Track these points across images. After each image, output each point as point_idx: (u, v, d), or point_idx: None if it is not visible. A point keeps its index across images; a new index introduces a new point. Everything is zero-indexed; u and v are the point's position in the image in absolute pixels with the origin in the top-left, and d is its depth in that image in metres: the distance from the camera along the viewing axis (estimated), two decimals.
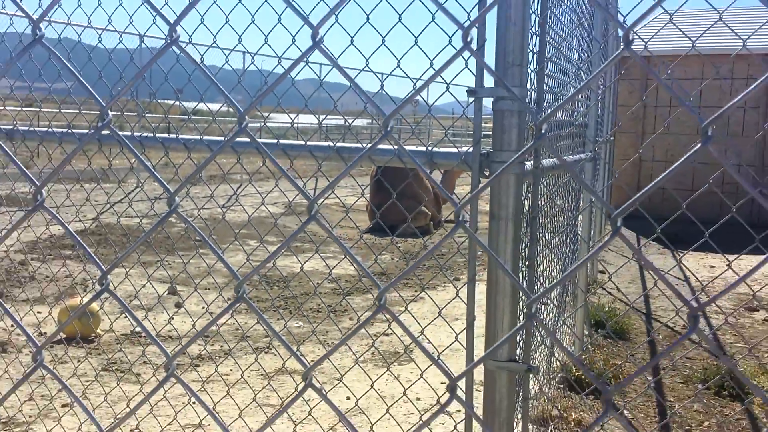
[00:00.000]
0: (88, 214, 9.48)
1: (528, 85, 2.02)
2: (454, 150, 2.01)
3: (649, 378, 5.01)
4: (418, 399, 4.31)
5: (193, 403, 3.95)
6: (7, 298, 6.53)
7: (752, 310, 7.14)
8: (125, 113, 19.82)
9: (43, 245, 8.92)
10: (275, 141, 2.45)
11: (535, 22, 1.94)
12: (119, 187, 4.30)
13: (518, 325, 1.99)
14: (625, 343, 5.80)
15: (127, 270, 5.52)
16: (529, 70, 2.03)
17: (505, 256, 1.84)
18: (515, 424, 2.12)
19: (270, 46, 2.75)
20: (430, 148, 2.05)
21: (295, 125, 4.02)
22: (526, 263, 2.23)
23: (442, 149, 2.05)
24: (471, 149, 1.90)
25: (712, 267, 9.26)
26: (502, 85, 1.78)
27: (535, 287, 2.43)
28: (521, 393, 2.22)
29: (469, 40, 0.86)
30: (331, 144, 2.19)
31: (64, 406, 4.19)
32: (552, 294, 3.61)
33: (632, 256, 8.87)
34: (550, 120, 2.54)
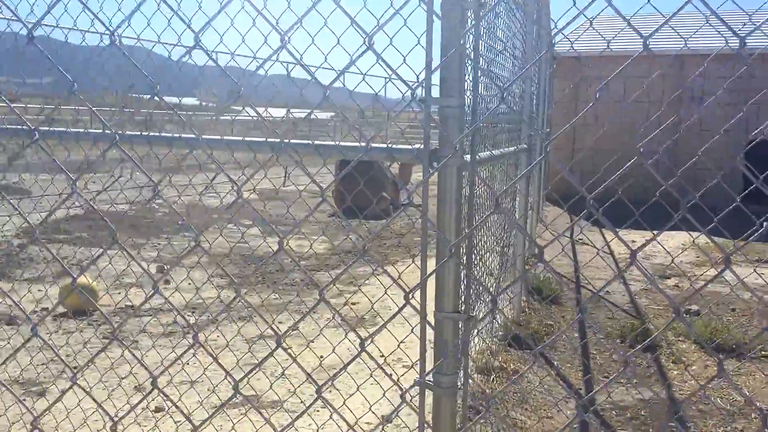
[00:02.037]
0: (77, 201, 9.56)
1: (468, 92, 2.32)
2: (409, 147, 2.30)
3: (576, 335, 5.40)
4: (381, 356, 4.62)
5: (187, 363, 4.19)
6: (9, 278, 6.67)
7: (665, 277, 7.61)
8: (106, 108, 19.66)
9: (38, 230, 8.99)
10: (241, 139, 2.70)
11: (470, 45, 2.23)
12: (99, 177, 4.50)
13: (461, 285, 2.30)
14: (557, 306, 6.19)
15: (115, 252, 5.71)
16: (468, 81, 2.33)
17: (450, 231, 2.14)
18: (461, 363, 2.44)
19: (248, 46, 2.99)
20: (390, 146, 2.34)
21: (268, 118, 4.24)
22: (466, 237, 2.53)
23: (400, 146, 2.34)
24: (422, 146, 2.19)
25: (633, 242, 9.73)
26: (444, 97, 2.07)
27: (473, 256, 2.73)
28: (465, 338, 2.54)
29: (416, 96, 1.15)
30: (309, 142, 2.46)
31: (74, 368, 4.41)
32: (492, 264, 3.93)
33: (568, 234, 9.28)
34: (483, 122, 2.85)
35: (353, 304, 5.97)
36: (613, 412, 4.10)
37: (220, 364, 1.94)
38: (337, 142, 2.48)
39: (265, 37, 2.54)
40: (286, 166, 15.15)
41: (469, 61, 2.21)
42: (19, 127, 3.09)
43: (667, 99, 13.26)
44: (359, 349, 1.95)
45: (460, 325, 2.25)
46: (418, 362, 2.21)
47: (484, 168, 3.13)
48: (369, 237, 9.48)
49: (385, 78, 3.62)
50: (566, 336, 5.38)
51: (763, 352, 5.17)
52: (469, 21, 2.21)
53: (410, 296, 1.90)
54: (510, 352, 4.80)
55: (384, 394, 2.96)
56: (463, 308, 2.27)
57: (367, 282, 6.81)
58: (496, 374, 4.34)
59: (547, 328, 5.42)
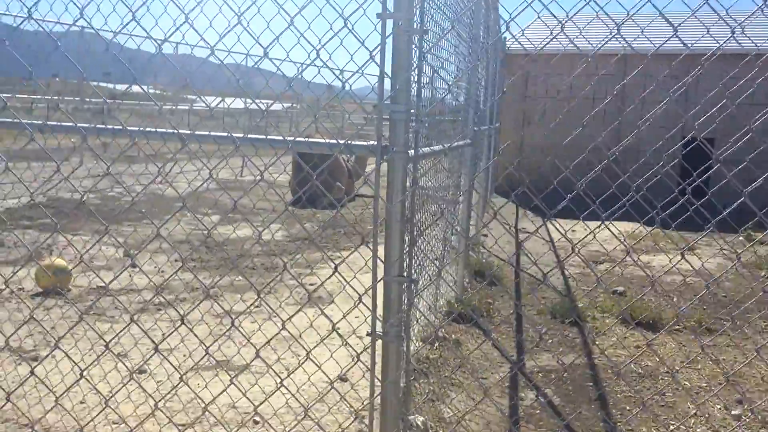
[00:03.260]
0: (32, 189, 9.87)
1: (415, 95, 2.89)
2: (365, 143, 2.87)
3: (511, 312, 6.06)
4: (338, 327, 5.18)
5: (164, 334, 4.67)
6: None
7: (598, 263, 8.36)
8: (59, 97, 19.61)
9: (1, 217, 9.28)
10: (207, 133, 3.21)
11: (415, 63, 2.79)
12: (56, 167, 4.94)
13: (405, 256, 2.87)
14: (498, 287, 6.85)
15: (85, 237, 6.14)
16: (414, 88, 2.90)
17: (396, 211, 2.71)
18: (404, 328, 3.01)
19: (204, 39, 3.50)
20: (348, 142, 2.90)
21: (225, 108, 4.73)
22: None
23: (357, 142, 2.90)
24: (375, 143, 2.76)
25: (573, 231, 10.50)
26: (394, 104, 2.64)
27: (414, 231, 3.31)
28: (408, 301, 3.11)
29: (372, 113, 1.70)
30: (280, 138, 3.00)
31: (59, 338, 4.85)
32: (434, 244, 4.53)
33: (508, 225, 9.98)
34: (427, 121, 3.43)
35: (310, 285, 6.52)
36: (540, 374, 4.75)
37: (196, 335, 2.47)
38: (302, 138, 3.02)
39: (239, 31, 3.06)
40: (244, 157, 15.54)
41: (414, 75, 2.77)
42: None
43: (611, 96, 14.10)
44: (321, 322, 2.51)
45: (403, 287, 2.83)
46: (370, 318, 2.79)
47: (430, 161, 3.72)
48: (319, 227, 10.03)
49: (340, 70, 4.19)
50: (504, 312, 6.04)
51: (675, 327, 5.90)
52: (415, 40, 2.78)
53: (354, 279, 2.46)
54: (452, 326, 5.43)
55: (331, 357, 3.52)
56: (406, 273, 2.84)
57: (321, 266, 7.36)
58: (439, 343, 4.95)
59: (487, 305, 6.06)
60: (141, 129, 3.23)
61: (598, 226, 3.26)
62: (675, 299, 6.81)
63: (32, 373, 3.49)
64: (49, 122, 3.54)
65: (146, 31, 3.28)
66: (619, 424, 4.10)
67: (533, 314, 6.11)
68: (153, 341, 3.20)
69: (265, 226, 3.31)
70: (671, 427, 4.05)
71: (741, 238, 9.78)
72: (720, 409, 4.32)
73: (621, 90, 13.99)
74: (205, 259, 7.81)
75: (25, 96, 22.12)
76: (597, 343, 5.47)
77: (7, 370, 4.03)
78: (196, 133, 3.24)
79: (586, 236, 3.17)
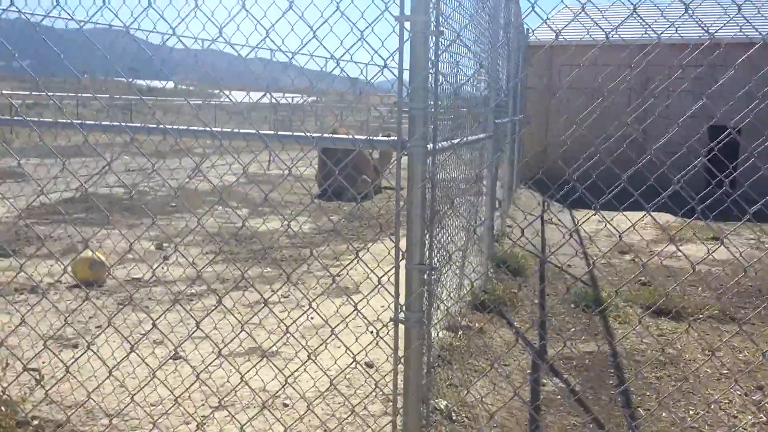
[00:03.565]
0: (71, 185, 10.18)
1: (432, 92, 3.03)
2: (386, 138, 3.02)
3: (536, 302, 6.18)
4: (363, 314, 5.34)
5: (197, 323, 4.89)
6: (22, 254, 7.30)
7: (623, 252, 8.42)
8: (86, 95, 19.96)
9: (36, 212, 9.63)
10: (236, 131, 3.38)
11: (432, 62, 2.93)
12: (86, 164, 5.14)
13: (426, 244, 3.02)
14: (522, 278, 6.96)
15: (114, 231, 6.39)
16: (431, 85, 3.04)
17: (417, 202, 2.86)
18: (425, 312, 3.17)
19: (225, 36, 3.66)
20: (370, 137, 3.05)
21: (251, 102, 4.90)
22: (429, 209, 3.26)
23: (378, 138, 3.05)
24: (396, 138, 2.91)
25: (600, 222, 10.55)
26: (413, 101, 2.78)
27: (434, 223, 3.44)
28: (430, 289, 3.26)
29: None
30: (307, 134, 3.16)
31: (97, 327, 5.10)
32: (456, 233, 4.66)
33: (533, 215, 10.07)
34: (444, 116, 3.57)
35: (337, 276, 6.69)
36: (561, 362, 4.87)
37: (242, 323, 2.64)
38: (327, 135, 3.18)
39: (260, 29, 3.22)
40: (271, 152, 15.80)
41: (432, 72, 2.91)
42: (19, 118, 3.70)
43: (635, 87, 14.05)
44: (347, 310, 2.67)
45: (425, 275, 2.97)
46: (393, 304, 2.95)
47: (449, 154, 3.85)
48: (345, 219, 10.22)
49: (365, 64, 4.33)
50: (527, 301, 6.16)
51: (699, 316, 5.97)
52: (431, 40, 2.92)
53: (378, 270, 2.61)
54: (476, 314, 5.57)
55: (357, 341, 3.68)
56: (427, 261, 2.99)
57: (347, 257, 7.53)
58: (462, 331, 5.09)
59: (511, 295, 6.18)
60: (176, 127, 3.40)
61: (641, 217, 3.32)
62: (700, 289, 6.85)
63: (75, 358, 3.71)
64: (88, 121, 3.72)
65: (173, 29, 3.44)
66: (638, 409, 4.20)
67: (557, 303, 6.22)
68: (189, 328, 3.39)
69: (293, 218, 3.47)
70: (690, 412, 4.15)
71: None
72: (740, 395, 4.40)
73: (645, 80, 13.94)
74: (236, 251, 8.03)
75: (55, 93, 22.54)
76: (620, 331, 5.56)
77: (50, 356, 4.26)
78: (227, 130, 3.40)
79: (630, 227, 3.22)
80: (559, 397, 4.32)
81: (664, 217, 9.33)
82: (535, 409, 4.14)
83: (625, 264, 7.93)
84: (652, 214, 3.21)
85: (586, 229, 9.71)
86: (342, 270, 4.16)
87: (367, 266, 3.22)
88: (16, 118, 4.01)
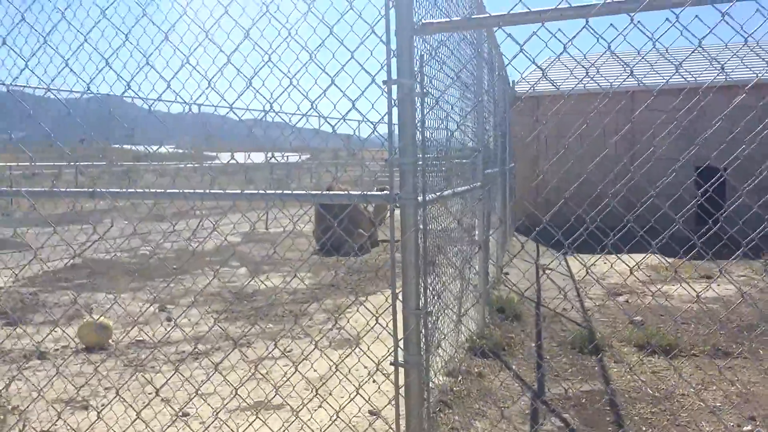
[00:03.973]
0: (70, 251, 10.39)
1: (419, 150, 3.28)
2: (379, 193, 3.26)
3: (533, 344, 6.33)
4: (365, 367, 5.50)
5: (203, 381, 5.03)
6: (28, 322, 7.45)
7: (617, 294, 8.60)
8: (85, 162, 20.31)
9: (40, 280, 9.79)
10: (239, 192, 3.61)
11: (419, 120, 3.18)
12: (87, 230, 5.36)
13: (421, 290, 3.22)
14: (519, 323, 7.13)
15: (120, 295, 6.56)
16: (419, 144, 3.29)
17: (411, 250, 3.07)
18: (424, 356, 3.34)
19: (219, 93, 3.91)
20: (365, 193, 3.29)
21: (248, 162, 5.13)
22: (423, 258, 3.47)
23: (373, 192, 3.29)
24: (388, 192, 3.14)
25: (594, 265, 10.74)
26: (402, 156, 3.02)
27: (428, 269, 3.65)
28: (427, 332, 3.44)
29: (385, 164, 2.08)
30: (291, 192, 3.39)
31: (106, 389, 5.23)
32: (450, 280, 4.86)
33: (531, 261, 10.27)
34: (434, 170, 3.82)
35: (338, 327, 6.86)
36: (559, 402, 5.01)
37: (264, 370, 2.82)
38: (324, 192, 3.41)
39: (255, 88, 3.48)
40: (268, 211, 16.10)
41: (419, 129, 3.17)
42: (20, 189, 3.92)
43: (621, 132, 14.43)
44: (350, 361, 2.85)
45: (421, 320, 3.17)
46: (393, 349, 3.13)
47: (441, 205, 4.09)
48: (344, 273, 10.40)
49: (358, 121, 4.60)
50: (524, 345, 6.31)
51: (693, 352, 6.12)
52: (417, 101, 3.18)
53: (378, 317, 2.82)
54: (475, 360, 5.72)
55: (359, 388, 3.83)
56: (423, 306, 3.19)
57: (348, 311, 7.69)
58: (462, 376, 5.24)
59: (508, 340, 6.34)
60: (180, 191, 3.62)
61: (642, 258, 3.55)
62: (693, 326, 7.02)
63: (99, 416, 3.85)
64: (98, 189, 3.93)
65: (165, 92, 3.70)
66: None
67: (553, 346, 6.37)
68: (195, 386, 3.55)
69: (294, 275, 3.67)
70: None
71: (759, 263, 9.97)
72: (732, 426, 4.54)
73: (630, 126, 14.35)
74: (238, 310, 8.18)
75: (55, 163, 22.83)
76: (615, 370, 5.71)
77: (64, 418, 4.39)
78: (229, 192, 3.62)
79: (635, 264, 3.41)
80: None
81: (651, 260, 9.53)
82: None
83: (619, 306, 8.10)
84: (641, 255, 3.42)
85: (579, 273, 9.91)
86: (341, 319, 4.33)
87: (370, 312, 3.40)
88: (13, 189, 4.21)
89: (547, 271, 10.15)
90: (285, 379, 4.75)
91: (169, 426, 4.03)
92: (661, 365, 5.81)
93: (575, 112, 14.33)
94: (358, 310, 5.18)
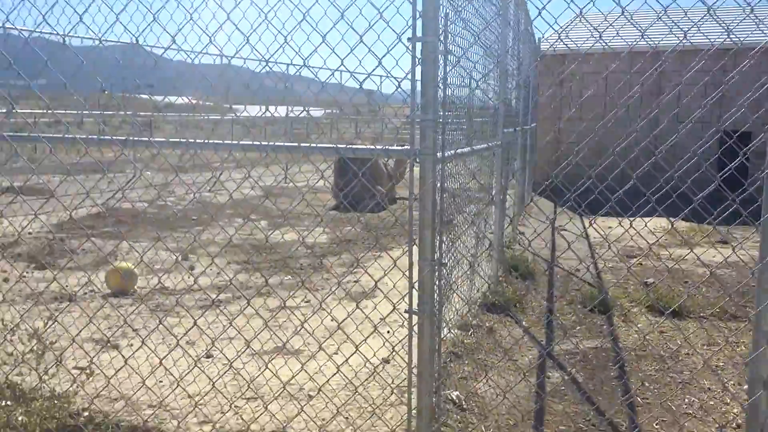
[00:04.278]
0: (96, 200, 10.65)
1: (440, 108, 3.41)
2: (400, 148, 3.40)
3: (544, 303, 6.51)
4: (382, 318, 5.70)
5: (227, 325, 5.27)
6: (56, 267, 7.73)
7: (631, 257, 8.72)
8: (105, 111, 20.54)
9: (66, 227, 10.09)
10: (264, 143, 3.74)
11: (441, 77, 3.30)
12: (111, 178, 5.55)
13: (436, 241, 3.38)
14: (531, 281, 7.30)
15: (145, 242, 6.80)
16: (440, 100, 3.41)
17: (427, 204, 3.22)
18: (437, 302, 3.52)
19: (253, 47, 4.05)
20: (386, 147, 3.43)
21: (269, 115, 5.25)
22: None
23: (394, 147, 3.43)
24: (409, 147, 3.28)
25: (610, 227, 10.84)
26: (423, 113, 3.16)
27: (443, 224, 3.81)
28: (440, 282, 3.62)
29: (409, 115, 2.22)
30: (322, 145, 3.54)
31: (134, 330, 5.49)
32: (468, 242, 5.02)
33: (545, 220, 10.40)
34: (454, 126, 3.94)
35: (355, 281, 7.07)
36: (567, 356, 5.20)
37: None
38: (343, 144, 3.56)
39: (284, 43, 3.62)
40: (286, 164, 16.27)
41: (441, 88, 3.29)
42: (47, 135, 4.06)
43: (646, 93, 14.35)
44: (367, 311, 3.02)
45: (435, 270, 3.33)
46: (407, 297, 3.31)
47: (460, 163, 4.22)
48: (360, 229, 10.60)
49: (381, 77, 4.71)
50: (535, 303, 6.49)
51: (701, 314, 6.27)
52: (440, 59, 3.30)
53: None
54: (486, 315, 5.91)
55: (374, 333, 4.03)
56: (437, 258, 3.35)
57: (366, 264, 7.89)
58: (473, 330, 5.44)
59: (520, 297, 6.52)
60: (204, 141, 3.76)
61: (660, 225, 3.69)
62: (704, 290, 7.14)
63: (126, 361, 4.09)
64: (128, 137, 4.09)
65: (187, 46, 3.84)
66: (637, 398, 4.53)
67: (564, 304, 6.55)
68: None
69: (312, 229, 3.83)
70: (686, 401, 4.46)
71: None
72: (733, 384, 4.71)
73: (657, 86, 14.26)
74: (257, 262, 8.42)
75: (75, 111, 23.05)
76: (623, 329, 5.88)
77: (92, 357, 4.64)
78: (254, 143, 3.75)
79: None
80: (563, 388, 4.65)
81: (667, 223, 9.61)
82: (541, 398, 4.47)
83: (630, 268, 8.23)
84: (657, 217, 3.49)
85: (595, 234, 10.02)
86: (358, 272, 4.50)
87: (388, 265, 3.57)
88: (32, 135, 4.30)
89: (562, 232, 10.28)
90: (303, 326, 4.98)
91: (193, 366, 4.26)
92: (669, 326, 5.96)
93: (598, 71, 14.25)
94: (375, 263, 5.34)
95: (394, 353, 4.30)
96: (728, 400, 4.46)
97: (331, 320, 5.59)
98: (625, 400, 4.42)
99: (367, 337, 3.79)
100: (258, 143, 3.72)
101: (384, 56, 3.18)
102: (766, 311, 2.06)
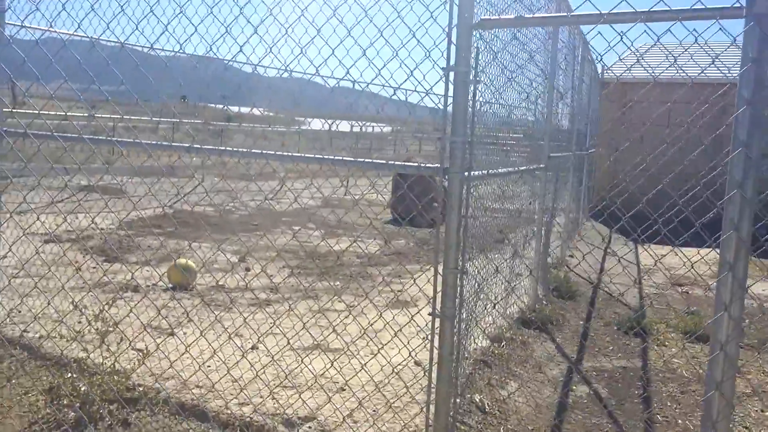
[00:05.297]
0: (163, 202, 11.35)
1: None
2: (431, 165, 3.78)
3: (580, 322, 6.73)
4: (418, 325, 6.05)
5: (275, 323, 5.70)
6: (123, 261, 8.38)
7: (678, 285, 8.81)
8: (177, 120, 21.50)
9: (135, 225, 10.81)
10: (320, 157, 4.17)
11: (471, 103, 3.66)
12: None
13: (461, 249, 3.73)
14: (572, 302, 7.51)
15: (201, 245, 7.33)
16: (469, 124, 3.77)
17: (453, 218, 3.58)
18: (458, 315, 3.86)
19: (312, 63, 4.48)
20: (420, 164, 3.81)
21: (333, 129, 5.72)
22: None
23: (425, 165, 3.81)
24: (439, 165, 3.65)
25: (662, 255, 10.89)
26: (453, 135, 3.52)
27: (468, 238, 4.13)
28: (461, 290, 3.95)
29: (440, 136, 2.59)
30: (366, 159, 3.94)
31: (189, 320, 6.00)
32: (502, 258, 5.33)
33: (596, 246, 10.53)
34: (484, 149, 4.29)
35: (399, 291, 7.44)
36: (594, 373, 5.43)
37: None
38: (384, 161, 3.95)
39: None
40: (348, 178, 16.82)
41: (470, 111, 3.65)
42: (117, 138, 4.58)
43: (705, 124, 14.28)
44: (402, 318, 3.39)
45: (457, 277, 3.68)
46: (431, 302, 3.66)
47: (488, 181, 4.56)
48: (414, 243, 10.96)
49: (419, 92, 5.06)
50: (572, 322, 6.72)
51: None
52: (471, 88, 3.66)
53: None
54: (521, 330, 6.19)
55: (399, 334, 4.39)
56: (460, 267, 3.70)
57: (410, 276, 8.25)
58: (506, 342, 5.73)
59: (558, 316, 6.76)
60: (273, 152, 4.20)
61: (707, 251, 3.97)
62: (746, 320, 7.22)
63: (185, 345, 4.57)
64: (198, 145, 4.57)
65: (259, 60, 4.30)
66: (657, 416, 4.74)
67: (601, 325, 6.75)
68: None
69: (363, 240, 4.23)
70: None
71: None
72: (756, 410, 4.87)
73: (717, 118, 14.16)
74: (308, 267, 8.89)
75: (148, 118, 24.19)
76: (655, 351, 6.06)
77: (150, 340, 5.16)
78: (316, 156, 4.18)
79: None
80: (586, 401, 4.90)
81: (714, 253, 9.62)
82: (563, 408, 4.73)
83: (677, 295, 8.33)
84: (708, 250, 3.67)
85: (646, 261, 10.11)
86: (401, 283, 4.87)
87: (426, 277, 3.93)
88: (107, 138, 4.86)
89: (613, 258, 10.40)
90: (344, 328, 5.38)
91: (242, 356, 4.71)
92: (703, 352, 6.11)
93: (663, 101, 14.29)
94: (422, 274, 5.71)
95: (410, 357, 4.64)
96: (747, 424, 4.62)
97: (371, 326, 5.98)
98: (645, 416, 4.64)
99: (390, 339, 4.14)
100: (317, 156, 4.14)
101: (420, 82, 3.57)
102: (720, 321, 2.34)
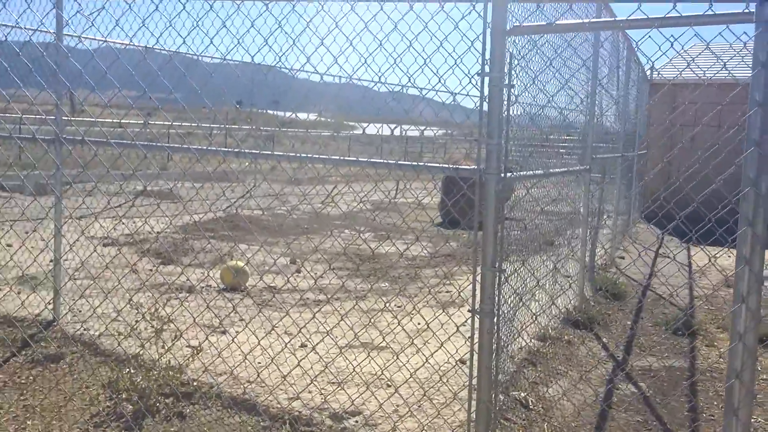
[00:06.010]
0: (216, 205, 11.72)
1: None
2: (469, 167, 3.90)
3: (628, 323, 6.73)
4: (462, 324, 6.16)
5: (322, 322, 5.89)
6: (178, 263, 8.71)
7: (729, 286, 8.68)
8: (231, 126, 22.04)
9: (190, 228, 11.20)
10: (355, 158, 4.33)
11: (505, 109, 3.77)
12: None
13: (498, 248, 3.84)
14: (620, 303, 7.50)
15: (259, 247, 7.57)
16: (505, 127, 3.88)
17: (490, 218, 3.70)
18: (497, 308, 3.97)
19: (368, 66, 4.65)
20: (459, 166, 3.94)
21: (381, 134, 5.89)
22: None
23: (462, 166, 3.93)
24: (476, 167, 3.77)
25: (715, 256, 10.71)
26: (489, 138, 3.64)
27: (505, 238, 4.23)
28: (500, 290, 4.06)
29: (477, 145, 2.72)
30: (413, 163, 4.08)
31: (241, 319, 6.24)
32: (543, 257, 5.40)
33: (646, 247, 10.43)
34: (520, 151, 4.39)
35: (447, 292, 7.56)
36: (640, 372, 5.45)
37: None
38: (424, 164, 4.09)
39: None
40: (398, 181, 16.99)
41: (505, 115, 3.76)
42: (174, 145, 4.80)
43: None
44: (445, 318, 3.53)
45: (496, 276, 3.79)
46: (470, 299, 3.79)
47: (525, 182, 4.65)
48: (462, 245, 11.04)
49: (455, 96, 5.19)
50: (620, 323, 6.73)
51: None
52: (505, 93, 3.78)
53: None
54: (567, 329, 6.23)
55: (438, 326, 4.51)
56: (497, 265, 3.81)
57: (459, 278, 8.35)
58: (552, 341, 5.79)
59: (605, 316, 6.77)
60: (326, 156, 4.39)
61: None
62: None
63: (235, 342, 4.79)
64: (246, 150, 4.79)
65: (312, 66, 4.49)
66: (703, 414, 4.74)
67: (648, 325, 6.74)
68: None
69: (413, 242, 4.38)
70: (754, 421, 4.63)
71: None
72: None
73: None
74: (358, 269, 9.08)
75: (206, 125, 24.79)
76: (704, 351, 6.03)
77: (201, 338, 5.40)
78: (367, 160, 4.34)
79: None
80: (631, 399, 4.94)
81: None
82: (606, 406, 4.78)
83: (730, 297, 8.22)
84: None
85: (698, 262, 9.98)
86: (449, 284, 4.99)
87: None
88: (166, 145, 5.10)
89: (665, 259, 10.30)
90: (390, 328, 5.53)
91: (291, 354, 4.91)
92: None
93: (714, 102, 14.04)
94: (469, 276, 5.82)
95: (454, 355, 4.75)
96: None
97: (416, 325, 6.12)
98: (690, 415, 4.66)
99: (429, 338, 4.27)
100: (368, 160, 4.31)
101: (456, 87, 3.69)
102: (738, 313, 2.41)
